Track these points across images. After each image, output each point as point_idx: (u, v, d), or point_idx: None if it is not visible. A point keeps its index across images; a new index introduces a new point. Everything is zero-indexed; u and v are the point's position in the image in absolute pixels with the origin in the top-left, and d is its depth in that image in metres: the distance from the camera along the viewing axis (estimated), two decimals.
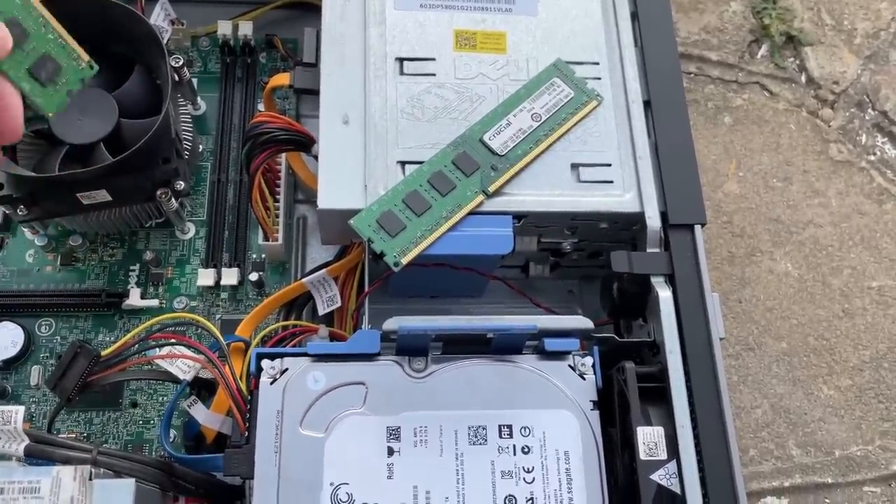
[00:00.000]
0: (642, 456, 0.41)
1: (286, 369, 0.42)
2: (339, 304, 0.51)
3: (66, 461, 0.40)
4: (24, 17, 0.39)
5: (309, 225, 0.58)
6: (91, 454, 0.40)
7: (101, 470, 0.40)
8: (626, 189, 0.47)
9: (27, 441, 0.40)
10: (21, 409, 0.40)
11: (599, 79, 0.50)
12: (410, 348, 0.43)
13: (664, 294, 0.44)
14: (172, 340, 0.46)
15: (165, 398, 0.51)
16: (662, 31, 0.51)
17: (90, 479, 0.38)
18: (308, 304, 0.53)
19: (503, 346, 0.44)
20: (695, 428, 0.41)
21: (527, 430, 0.42)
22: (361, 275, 0.52)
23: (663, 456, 0.41)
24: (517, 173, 0.46)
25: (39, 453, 0.40)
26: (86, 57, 0.41)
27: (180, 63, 0.53)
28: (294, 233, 0.57)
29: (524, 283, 0.55)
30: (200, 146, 0.58)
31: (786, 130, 0.68)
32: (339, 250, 0.54)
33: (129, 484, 0.39)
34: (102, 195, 0.49)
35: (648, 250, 0.46)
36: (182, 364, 0.46)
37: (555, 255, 0.52)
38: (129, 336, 0.46)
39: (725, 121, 0.68)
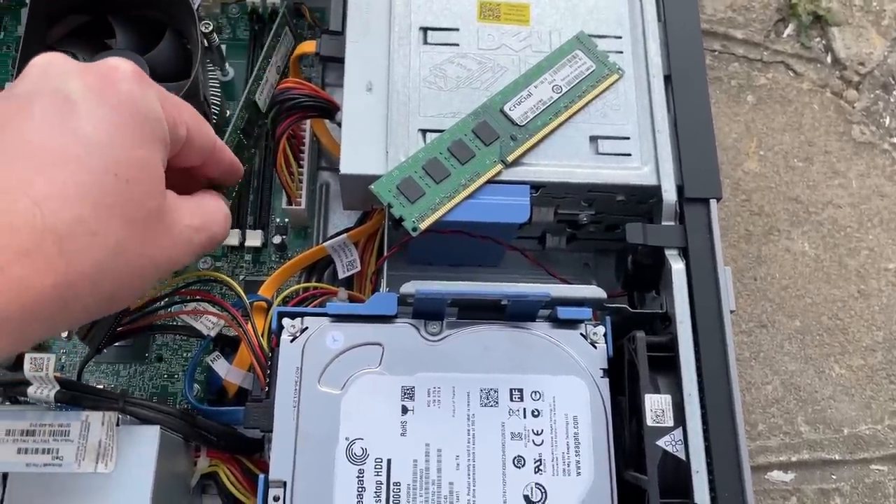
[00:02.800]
0: (649, 422, 0.42)
1: (306, 328, 0.44)
2: (358, 269, 0.53)
3: (94, 407, 0.42)
4: None
5: (331, 192, 0.59)
6: (118, 402, 0.42)
7: (128, 417, 0.42)
8: (644, 162, 0.47)
9: (57, 387, 0.42)
10: (52, 357, 0.42)
11: (621, 52, 0.50)
12: (426, 312, 0.44)
13: (677, 266, 0.45)
14: (198, 297, 0.48)
15: (189, 354, 0.53)
16: (686, 6, 0.51)
17: (117, 425, 0.40)
18: (329, 268, 0.54)
19: (517, 313, 0.45)
20: (702, 397, 0.42)
21: (537, 394, 0.43)
22: (381, 241, 0.54)
23: (670, 423, 0.42)
24: (536, 144, 0.47)
25: (69, 399, 0.42)
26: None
27: (210, 28, 0.54)
28: (317, 199, 0.58)
29: (541, 254, 0.56)
30: (228, 111, 0.59)
31: (809, 110, 0.68)
32: (359, 217, 0.55)
33: (154, 430, 0.40)
34: None
35: (663, 223, 0.46)
36: (206, 320, 0.47)
37: (571, 227, 0.53)
38: (156, 291, 0.48)
39: (748, 99, 0.68)
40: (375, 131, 0.47)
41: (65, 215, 0.30)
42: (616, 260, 0.53)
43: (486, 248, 0.50)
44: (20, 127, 0.32)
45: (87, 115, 0.33)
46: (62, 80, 0.34)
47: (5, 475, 0.39)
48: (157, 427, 0.40)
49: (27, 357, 0.42)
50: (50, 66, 0.35)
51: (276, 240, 0.56)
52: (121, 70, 0.35)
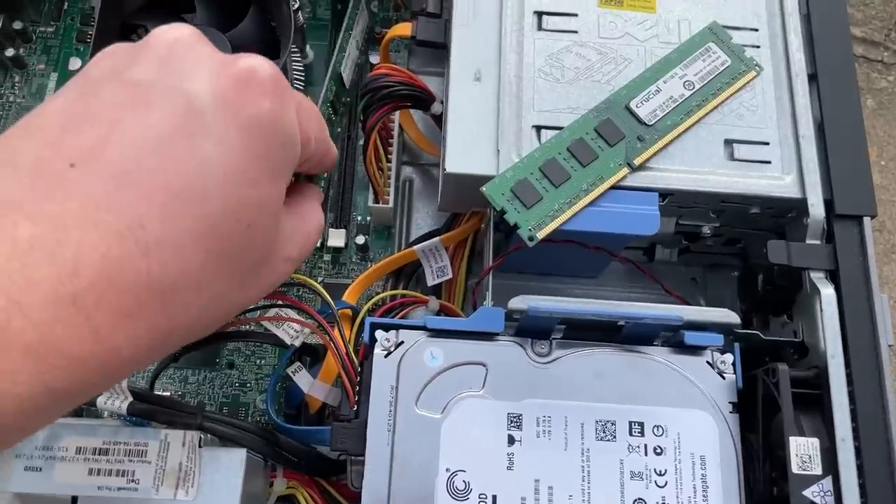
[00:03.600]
0: (795, 469, 0.37)
1: (401, 342, 0.39)
2: (449, 276, 0.48)
3: (170, 422, 0.38)
4: None
5: (415, 189, 0.54)
6: (196, 418, 0.38)
7: (209, 436, 0.37)
8: (786, 171, 0.42)
9: (130, 398, 0.38)
10: None
11: (758, 47, 0.45)
12: (533, 330, 0.40)
13: (826, 291, 0.40)
14: (279, 301, 0.43)
15: (263, 361, 0.49)
16: None
17: (200, 447, 0.36)
18: (415, 273, 0.50)
19: (635, 336, 0.40)
20: (856, 444, 0.37)
21: (660, 429, 0.39)
22: (473, 246, 0.49)
23: (818, 471, 0.37)
24: (665, 146, 0.42)
25: (142, 412, 0.38)
26: None
27: (296, 6, 0.49)
28: (400, 196, 0.53)
29: (646, 267, 0.51)
30: (309, 97, 0.55)
31: None
32: (447, 219, 0.51)
33: (240, 454, 0.36)
34: None
35: (808, 241, 0.41)
36: (289, 328, 0.43)
37: (688, 239, 0.48)
38: None
39: (868, 103, 0.63)
40: (484, 126, 0.42)
41: (174, 268, 0.25)
42: (740, 278, 0.48)
43: (592, 259, 0.46)
44: (133, 134, 0.25)
45: (217, 137, 0.26)
46: (190, 75, 0.27)
47: (75, 499, 0.35)
48: (244, 451, 0.36)
49: None
50: (176, 48, 0.28)
51: (360, 240, 0.51)
52: (261, 77, 0.28)
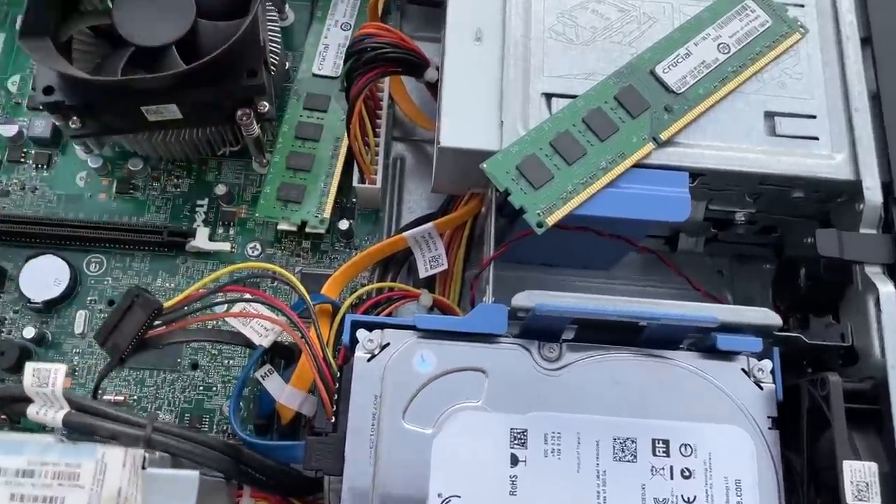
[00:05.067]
0: (850, 498, 0.32)
1: (387, 344, 0.35)
2: (444, 267, 0.43)
3: (114, 437, 0.32)
4: None
5: (407, 168, 0.49)
6: (144, 431, 0.32)
7: (157, 454, 0.32)
8: (836, 149, 0.37)
9: (66, 408, 0.33)
10: (62, 368, 0.33)
11: (802, 6, 0.40)
12: (541, 331, 0.35)
13: (885, 289, 0.35)
14: (247, 296, 0.38)
15: (231, 361, 0.43)
16: None
17: (143, 468, 0.30)
18: (405, 263, 0.45)
19: (657, 338, 0.35)
20: None
21: (688, 448, 0.34)
22: (472, 233, 0.44)
23: (876, 500, 0.32)
24: (696, 118, 0.37)
25: (81, 426, 0.33)
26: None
27: None
28: (389, 176, 0.48)
29: (666, 257, 0.46)
30: (287, 63, 0.49)
31: None
32: (443, 202, 0.45)
33: (192, 477, 0.31)
34: (172, 111, 0.41)
35: (863, 231, 0.36)
36: (258, 325, 0.37)
37: (717, 227, 0.43)
38: (196, 286, 0.38)
39: None
40: (486, 94, 0.38)
41: None
42: (778, 271, 0.43)
43: (607, 249, 0.41)
44: None
45: None
46: None
47: None
48: (197, 474, 0.31)
49: (29, 367, 0.33)
50: None
51: (343, 224, 0.46)
52: None
